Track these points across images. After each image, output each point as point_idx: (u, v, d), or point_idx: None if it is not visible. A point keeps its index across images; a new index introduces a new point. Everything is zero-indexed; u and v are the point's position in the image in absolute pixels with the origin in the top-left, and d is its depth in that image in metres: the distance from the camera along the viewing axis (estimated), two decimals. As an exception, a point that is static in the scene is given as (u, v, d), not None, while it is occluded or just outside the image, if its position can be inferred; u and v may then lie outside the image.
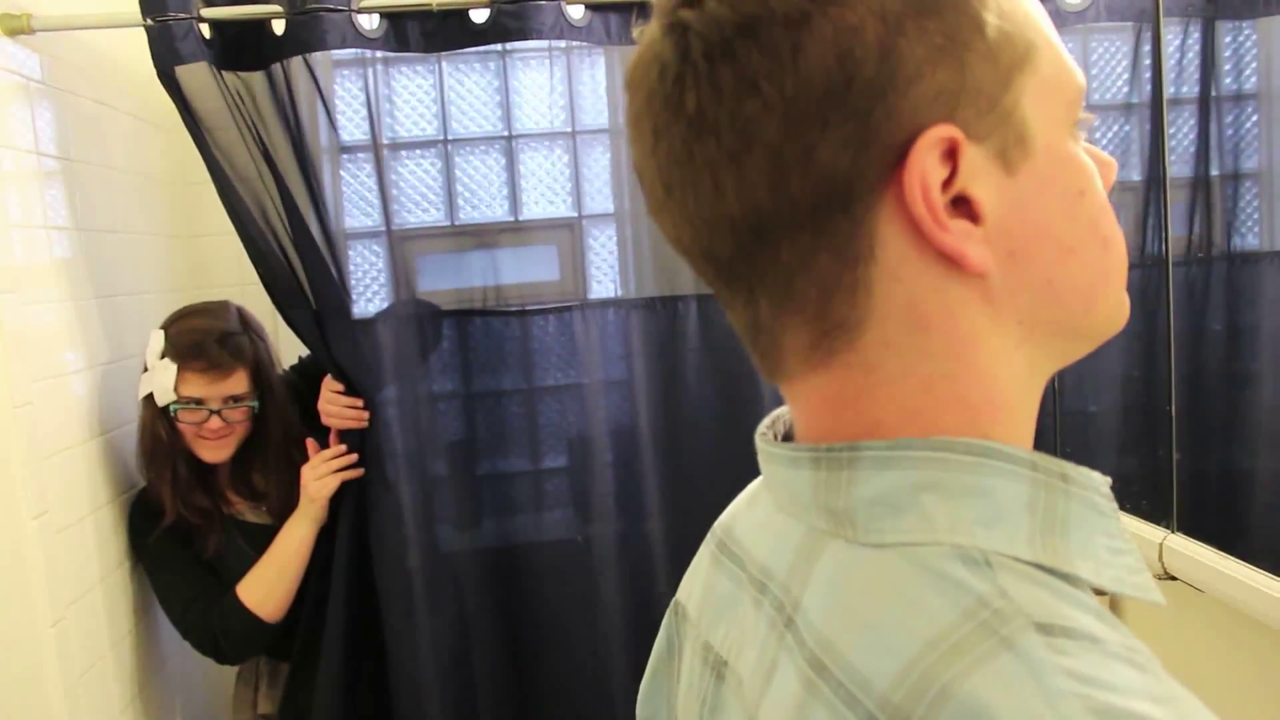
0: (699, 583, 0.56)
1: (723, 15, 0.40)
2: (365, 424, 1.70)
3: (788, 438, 0.50)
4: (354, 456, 1.71)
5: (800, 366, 0.45)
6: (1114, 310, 0.46)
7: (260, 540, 1.71)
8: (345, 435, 1.72)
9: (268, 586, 1.67)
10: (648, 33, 0.44)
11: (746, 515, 0.54)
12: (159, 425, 1.64)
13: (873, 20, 0.39)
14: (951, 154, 0.40)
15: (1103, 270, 0.45)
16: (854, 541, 0.42)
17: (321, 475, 1.68)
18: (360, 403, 1.69)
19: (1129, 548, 0.42)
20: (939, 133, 0.39)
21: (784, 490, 0.47)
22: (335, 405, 1.70)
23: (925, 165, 0.39)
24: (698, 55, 0.41)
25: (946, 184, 0.40)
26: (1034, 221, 0.42)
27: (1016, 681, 0.34)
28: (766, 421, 0.52)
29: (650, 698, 0.61)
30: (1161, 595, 0.42)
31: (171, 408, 1.61)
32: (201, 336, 1.62)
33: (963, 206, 0.41)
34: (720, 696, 0.49)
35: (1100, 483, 0.43)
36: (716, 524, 0.58)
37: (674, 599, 0.60)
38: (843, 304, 0.42)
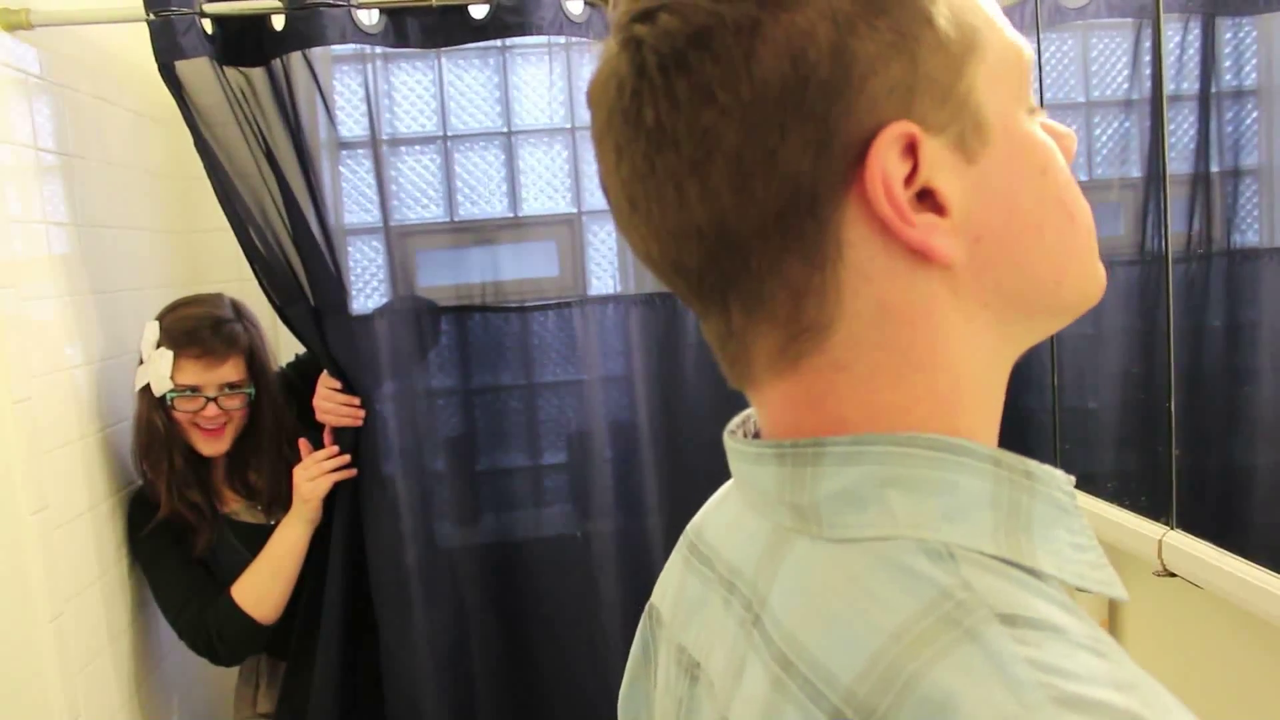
0: (671, 585, 0.56)
1: (674, 27, 0.40)
2: (360, 422, 1.70)
3: (757, 436, 0.50)
4: (347, 458, 1.70)
5: (767, 372, 0.45)
6: (1086, 282, 0.46)
7: (253, 539, 1.71)
8: (340, 433, 1.71)
9: (262, 588, 1.67)
10: (606, 49, 0.44)
11: (716, 516, 0.54)
12: (156, 416, 1.63)
13: (823, 22, 0.39)
14: (911, 149, 0.40)
15: (1072, 244, 0.45)
16: (818, 537, 0.42)
17: (314, 476, 1.68)
18: (356, 400, 1.69)
19: (1091, 544, 0.43)
20: (897, 129, 0.39)
21: (751, 488, 0.47)
22: (331, 402, 1.69)
23: (886, 163, 0.39)
24: (653, 69, 0.41)
25: (909, 179, 0.40)
26: (1000, 205, 0.42)
27: (980, 672, 0.34)
28: (737, 420, 0.52)
29: (630, 701, 0.61)
30: (1125, 591, 0.42)
31: (168, 396, 1.61)
32: (196, 324, 1.62)
33: (927, 199, 0.41)
34: (695, 698, 0.49)
35: (1063, 480, 0.43)
36: (689, 526, 0.58)
37: (649, 603, 0.60)
38: (813, 306, 0.42)
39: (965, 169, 0.42)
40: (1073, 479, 0.43)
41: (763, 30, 0.39)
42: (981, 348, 0.44)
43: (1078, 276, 0.46)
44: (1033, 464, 0.42)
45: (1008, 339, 0.45)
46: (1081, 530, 0.43)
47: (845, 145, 0.40)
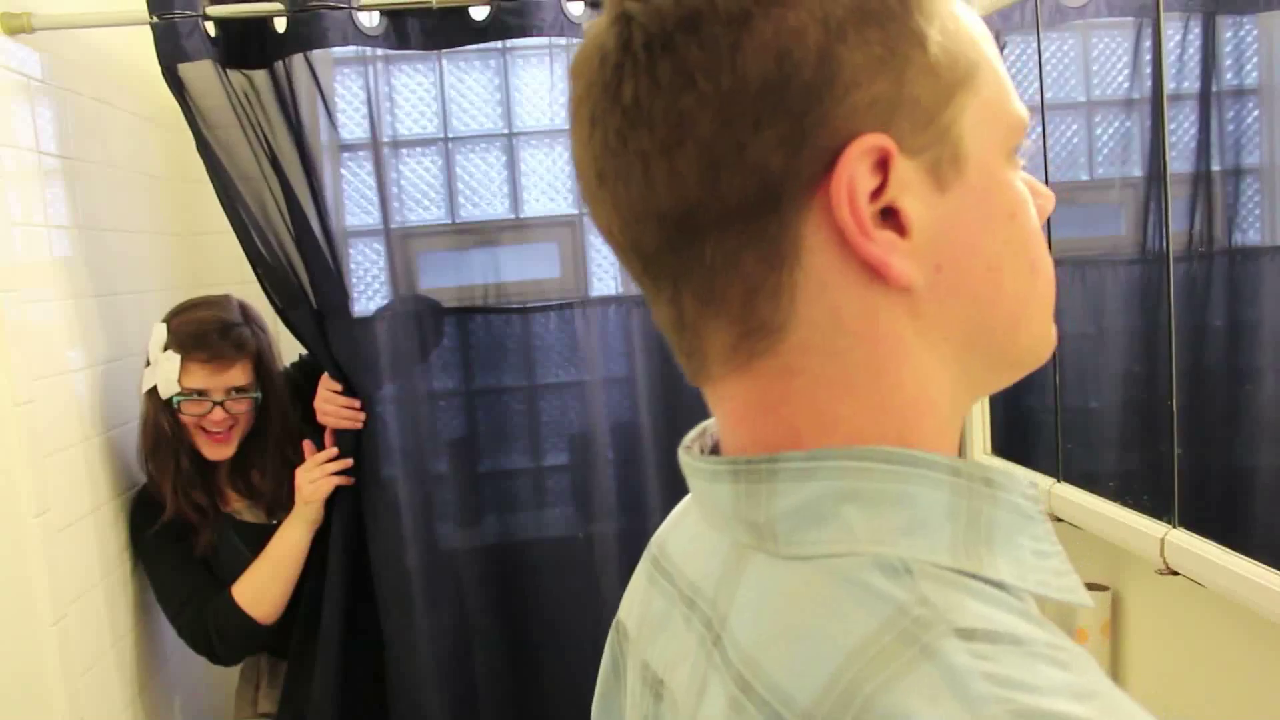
0: (636, 601, 0.56)
1: (666, 8, 0.40)
2: (361, 424, 1.70)
3: (715, 451, 0.50)
4: (349, 461, 1.70)
5: (722, 368, 0.45)
6: (1038, 340, 0.46)
7: (255, 539, 1.71)
8: (341, 435, 1.72)
9: (262, 588, 1.67)
10: (597, 23, 0.44)
11: (678, 530, 0.54)
12: (162, 419, 1.64)
13: (814, 25, 0.39)
14: (883, 164, 0.40)
15: (1029, 294, 0.45)
16: (776, 555, 0.42)
17: (315, 478, 1.68)
18: (357, 403, 1.69)
19: (1054, 550, 0.42)
20: (871, 141, 0.39)
21: (708, 504, 0.47)
22: (332, 405, 1.69)
23: (854, 172, 0.39)
24: (638, 46, 0.41)
25: (876, 194, 0.40)
26: (962, 238, 0.42)
27: (938, 691, 0.34)
28: (692, 434, 0.52)
29: (604, 715, 0.61)
30: (1089, 598, 0.42)
31: (175, 399, 1.61)
32: (204, 328, 1.63)
33: (891, 218, 0.41)
34: (659, 716, 0.49)
35: (1025, 485, 0.43)
36: (652, 540, 0.58)
37: (616, 618, 0.60)
38: (766, 306, 0.42)
39: (935, 197, 0.41)
40: (1035, 483, 0.43)
41: (753, 23, 0.39)
42: (940, 378, 0.43)
43: (1032, 329, 0.46)
44: (993, 471, 0.42)
45: (967, 380, 0.45)
46: (1044, 536, 0.42)
47: (817, 149, 0.39)
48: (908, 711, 0.33)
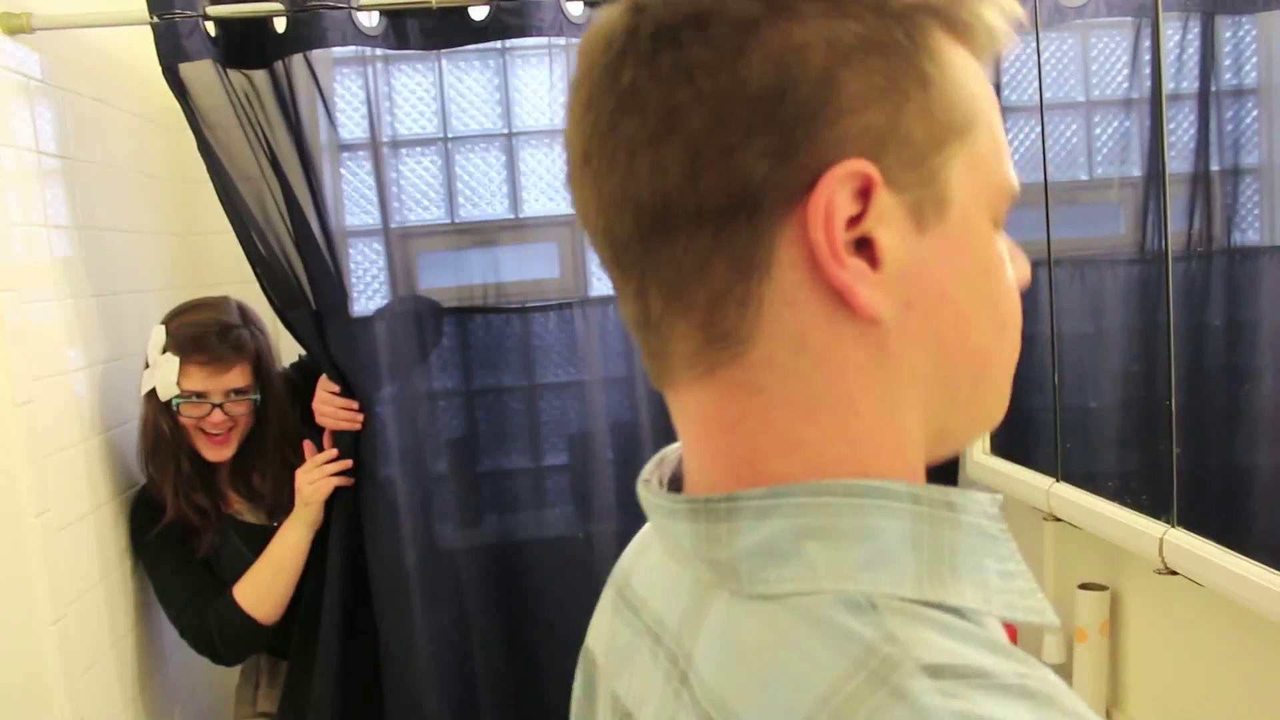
0: (603, 631, 0.56)
1: (679, 2, 0.41)
2: (359, 426, 1.70)
3: (675, 481, 0.50)
4: (348, 463, 1.70)
5: (685, 374, 0.44)
6: (995, 397, 0.46)
7: (256, 540, 1.71)
8: (339, 436, 1.72)
9: (263, 588, 1.67)
10: (611, 8, 0.44)
11: (640, 561, 0.53)
12: (162, 421, 1.64)
13: (820, 44, 0.39)
14: (865, 193, 0.39)
15: (995, 350, 0.45)
16: (738, 594, 0.41)
17: (314, 479, 1.68)
18: (355, 404, 1.69)
19: (1019, 569, 0.42)
20: (855, 166, 0.39)
21: (669, 540, 0.47)
22: (330, 406, 1.69)
23: (834, 193, 0.39)
24: (645, 35, 0.41)
25: (854, 221, 0.40)
26: (935, 282, 0.42)
27: None
28: (652, 463, 0.51)
29: None
30: (1055, 617, 0.41)
31: (174, 402, 1.62)
32: (203, 330, 1.63)
33: (865, 249, 0.40)
34: None
35: (988, 504, 0.42)
36: (616, 569, 0.57)
37: (584, 645, 0.59)
38: (732, 314, 0.41)
39: (913, 236, 0.41)
40: (999, 498, 0.43)
41: (760, 31, 0.39)
42: (905, 417, 0.43)
43: (991, 384, 0.45)
44: (954, 493, 0.41)
45: (932, 426, 0.44)
46: (1009, 556, 0.42)
47: (802, 166, 0.39)
48: None
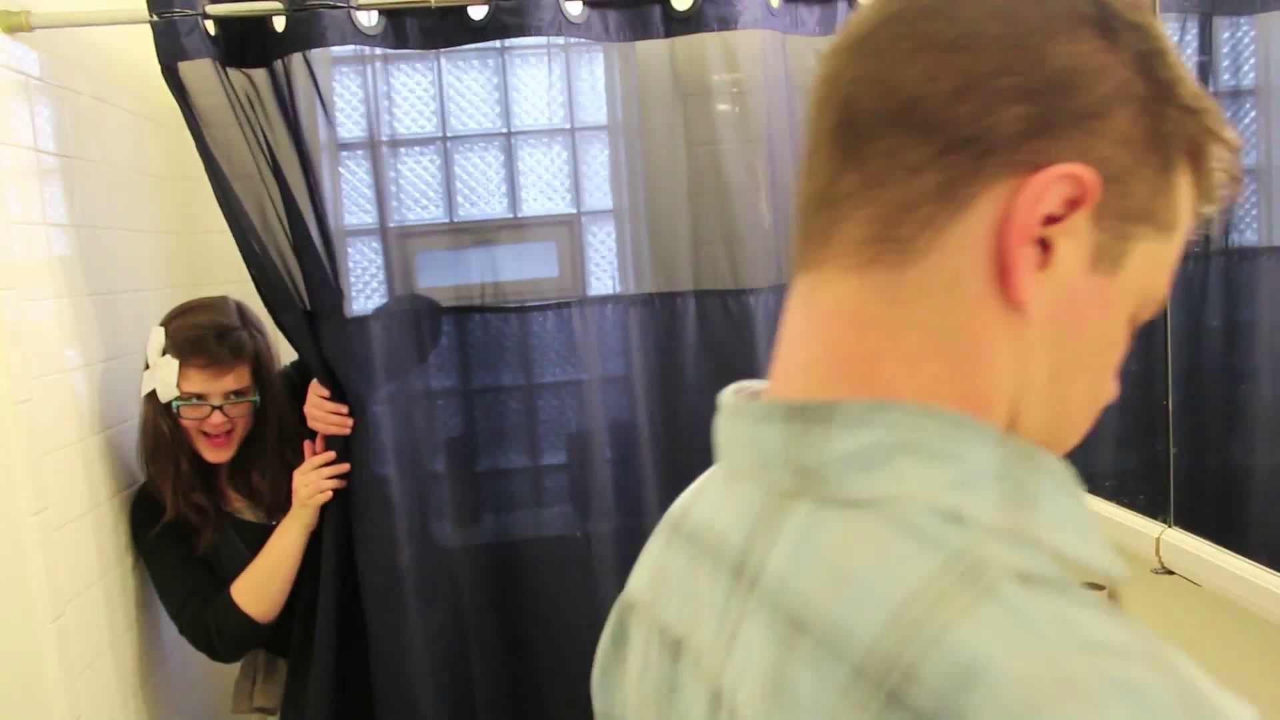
0: (648, 572, 0.57)
1: None
2: (348, 430, 1.70)
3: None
4: (345, 466, 1.70)
5: (840, 258, 0.46)
6: (1070, 432, 0.48)
7: (255, 539, 1.72)
8: (331, 439, 1.72)
9: (259, 587, 1.68)
10: None
11: (697, 497, 0.55)
12: (162, 422, 1.65)
13: (1120, 75, 0.43)
14: (1072, 204, 0.42)
15: (1088, 397, 0.48)
16: (824, 499, 0.43)
17: (310, 481, 1.68)
18: (345, 409, 1.69)
19: (1094, 524, 0.44)
20: (1090, 179, 0.42)
21: (747, 450, 0.48)
22: (320, 410, 1.70)
23: (1054, 184, 0.42)
24: None
25: (1050, 220, 0.42)
26: (1078, 316, 0.45)
27: (1003, 629, 0.35)
28: (732, 388, 0.52)
29: (604, 690, 0.61)
30: (1125, 568, 0.43)
31: (174, 404, 1.62)
32: (202, 332, 1.63)
33: (1043, 251, 0.43)
34: (678, 676, 0.49)
35: (1061, 464, 0.44)
36: (667, 515, 0.59)
37: (620, 599, 0.61)
38: (912, 226, 0.43)
39: (1083, 268, 0.44)
40: (1071, 467, 0.45)
41: (1082, 30, 0.43)
42: (1006, 400, 0.45)
43: (1057, 438, 0.48)
44: (1034, 447, 0.44)
45: (1023, 424, 0.46)
46: (1084, 510, 0.44)
47: (1043, 148, 0.42)
48: (974, 649, 0.34)
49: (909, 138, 0.43)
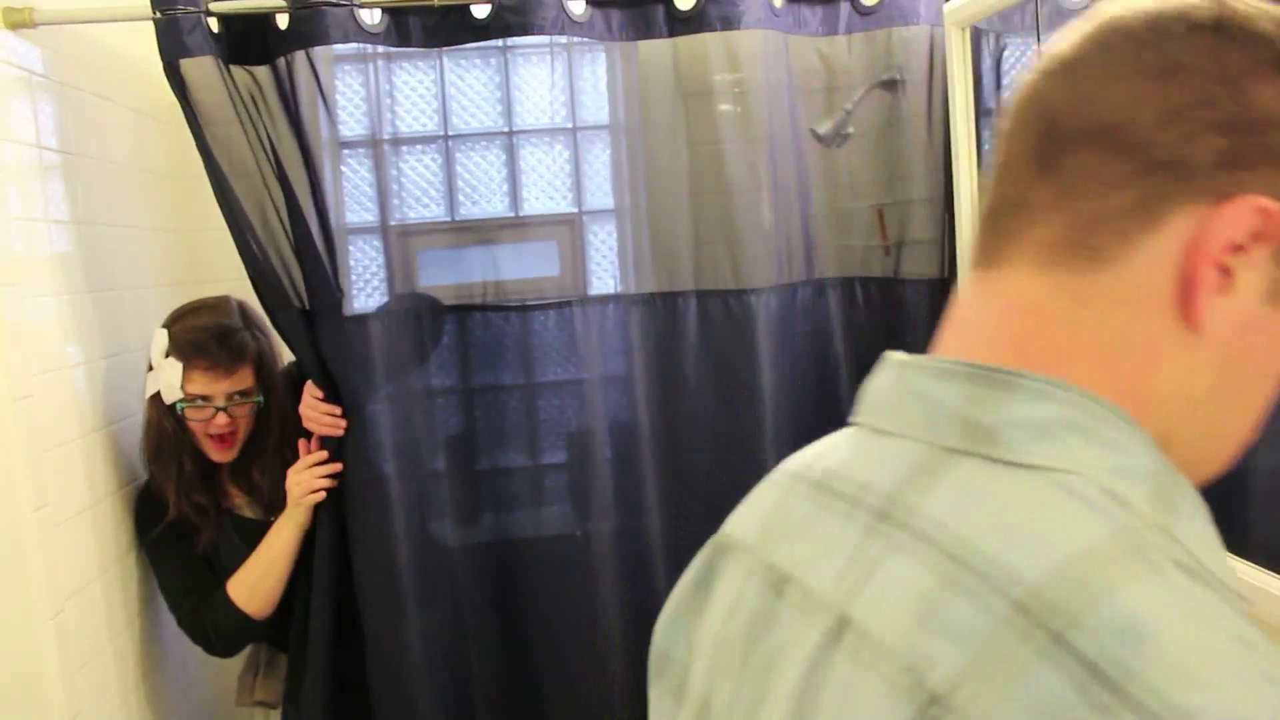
0: (759, 514, 0.58)
1: (1251, 16, 0.46)
2: (341, 431, 1.69)
3: None
4: (338, 466, 1.70)
5: (1028, 257, 0.48)
6: (1206, 466, 0.51)
7: (253, 535, 1.72)
8: (325, 439, 1.72)
9: (254, 585, 1.69)
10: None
11: (830, 450, 0.56)
12: (166, 423, 1.66)
13: None
14: (1257, 237, 0.44)
15: (1235, 434, 0.50)
16: (993, 459, 0.45)
17: (303, 480, 1.69)
18: (338, 410, 1.69)
19: (1221, 546, 0.46)
20: (1277, 211, 0.44)
21: (915, 402, 0.50)
22: (314, 411, 1.70)
23: (1243, 214, 0.44)
24: (1205, 18, 0.46)
25: (1234, 248, 0.45)
26: (1247, 346, 0.47)
27: (1168, 602, 0.37)
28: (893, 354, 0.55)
29: (671, 630, 0.62)
30: (1246, 595, 0.45)
31: (179, 406, 1.63)
32: (204, 335, 1.63)
33: (1225, 277, 0.45)
34: (777, 611, 0.50)
35: (1196, 491, 0.47)
36: (781, 469, 0.60)
37: (713, 539, 0.61)
38: (1106, 236, 0.46)
39: (1259, 298, 0.46)
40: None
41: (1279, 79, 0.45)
42: (1165, 412, 0.47)
43: (1215, 450, 0.50)
44: (1174, 466, 0.47)
45: (1192, 449, 0.48)
46: (1215, 535, 0.46)
47: (1237, 181, 0.44)
48: (1139, 611, 0.37)
49: (1111, 156, 0.46)
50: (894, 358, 0.53)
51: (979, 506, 0.43)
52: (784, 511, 0.55)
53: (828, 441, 0.58)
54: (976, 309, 0.51)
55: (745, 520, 0.59)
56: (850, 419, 0.56)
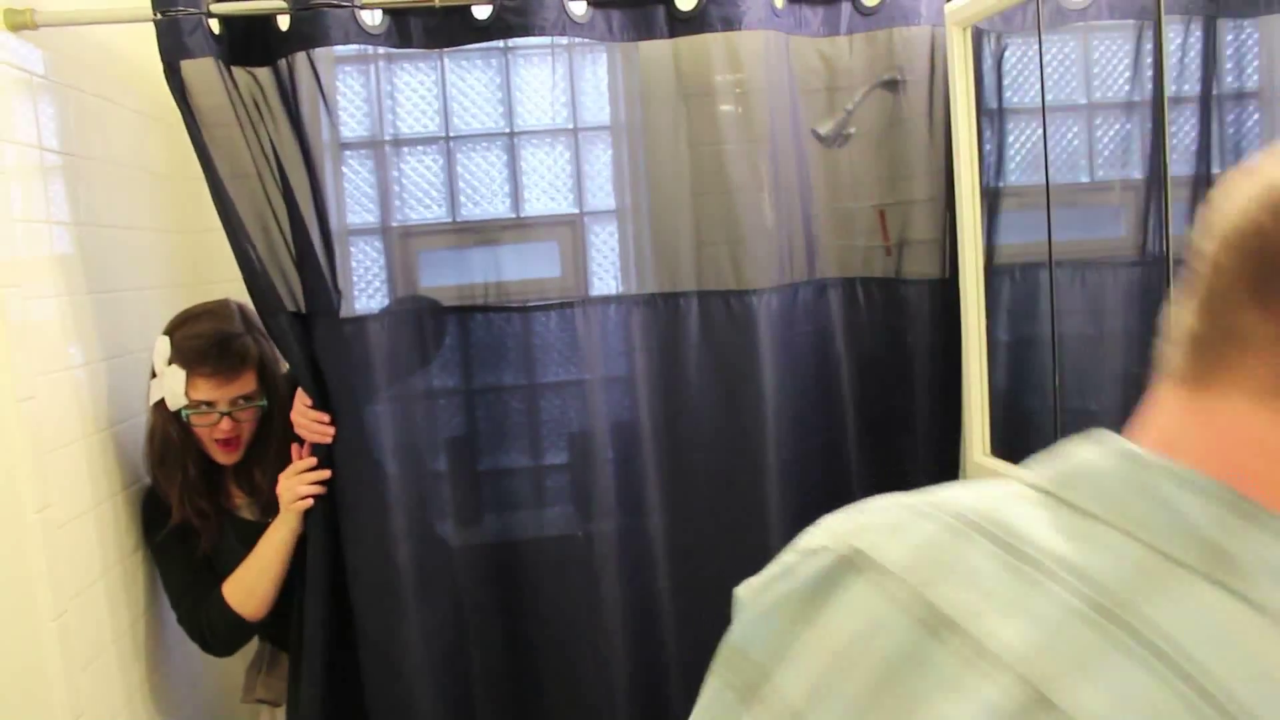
0: (909, 543, 0.56)
1: None
2: (329, 439, 1.69)
3: None
4: (326, 473, 1.70)
5: (1243, 384, 0.48)
6: None
7: (250, 536, 1.74)
8: (315, 447, 1.71)
9: (249, 587, 1.70)
10: None
11: (1003, 505, 0.55)
12: (170, 429, 1.67)
13: None
14: None
15: None
16: (1236, 592, 0.44)
17: (293, 485, 1.69)
18: (327, 417, 1.68)
19: None
20: None
21: (1142, 503, 0.49)
22: (305, 418, 1.70)
23: None
24: None
25: None
26: None
27: None
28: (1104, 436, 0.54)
29: (757, 627, 0.59)
30: None
31: (184, 413, 1.63)
32: (206, 342, 1.64)
33: None
34: (929, 654, 0.50)
35: None
36: (927, 501, 0.58)
37: (833, 549, 0.58)
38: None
39: None
40: None
41: None
42: None
43: None
44: None
45: None
46: None
47: None
48: None
49: None
50: (1118, 444, 0.52)
51: (1227, 641, 0.43)
52: (945, 550, 0.54)
53: (991, 494, 0.56)
54: (1184, 426, 0.50)
55: (890, 545, 0.57)
56: (1031, 481, 0.54)
